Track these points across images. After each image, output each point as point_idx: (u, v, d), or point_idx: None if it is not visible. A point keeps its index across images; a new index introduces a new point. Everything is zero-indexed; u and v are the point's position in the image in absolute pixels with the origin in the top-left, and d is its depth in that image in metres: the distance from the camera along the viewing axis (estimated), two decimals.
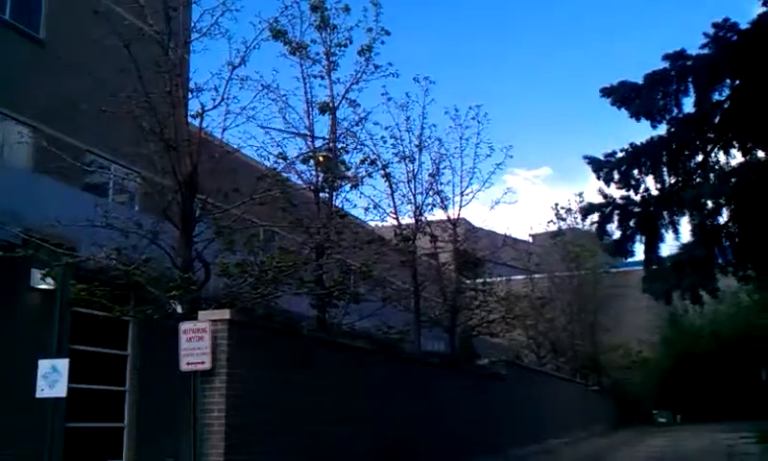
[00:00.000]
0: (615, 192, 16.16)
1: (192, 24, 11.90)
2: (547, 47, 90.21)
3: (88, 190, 15.92)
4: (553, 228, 41.84)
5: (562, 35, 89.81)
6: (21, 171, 14.76)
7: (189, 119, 11.86)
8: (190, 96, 11.88)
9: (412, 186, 19.43)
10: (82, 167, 14.71)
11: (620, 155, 15.75)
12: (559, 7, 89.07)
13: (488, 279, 24.39)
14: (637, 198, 16.08)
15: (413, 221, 19.45)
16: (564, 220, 41.80)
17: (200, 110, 11.57)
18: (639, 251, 16.78)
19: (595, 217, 16.58)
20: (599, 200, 16.36)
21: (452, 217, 21.37)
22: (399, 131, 19.05)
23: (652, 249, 16.56)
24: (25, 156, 15.39)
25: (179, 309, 10.47)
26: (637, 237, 16.44)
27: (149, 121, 11.01)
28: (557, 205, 42.21)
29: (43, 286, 11.94)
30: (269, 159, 14.95)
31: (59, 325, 12.14)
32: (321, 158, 15.33)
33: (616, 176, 15.85)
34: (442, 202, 20.65)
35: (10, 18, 16.04)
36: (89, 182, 16.60)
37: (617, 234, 16.58)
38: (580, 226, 38.37)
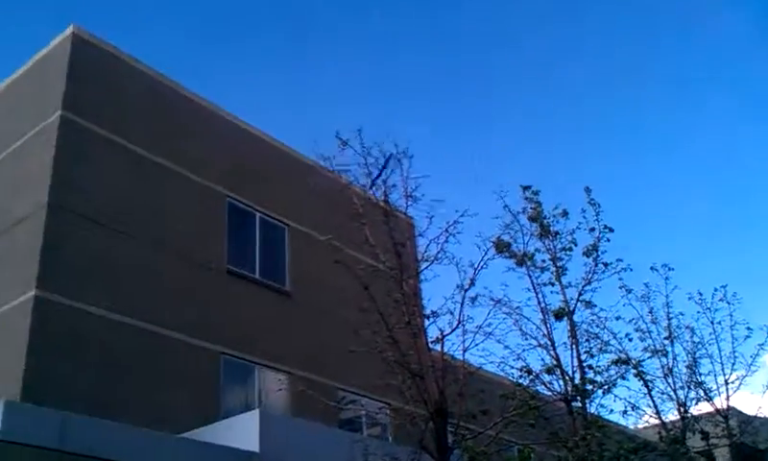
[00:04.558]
0: None
1: (420, 254, 12.39)
2: None
3: (342, 426, 16.34)
4: None
5: None
6: (281, 416, 15.51)
7: (430, 345, 11.99)
8: (427, 322, 12.12)
9: (670, 381, 18.00)
10: (335, 406, 15.21)
11: None
12: None
13: None
14: None
15: (678, 418, 17.80)
16: None
17: (439, 336, 11.74)
18: None
19: None
20: None
21: (720, 408, 19.31)
22: (645, 323, 18.00)
23: None
24: (282, 400, 16.26)
25: None
26: None
27: (393, 353, 11.26)
28: None
29: None
30: (512, 375, 14.59)
31: None
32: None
33: None
34: (705, 394, 18.83)
35: (260, 276, 17.70)
36: (343, 419, 17.09)
37: None
38: None
